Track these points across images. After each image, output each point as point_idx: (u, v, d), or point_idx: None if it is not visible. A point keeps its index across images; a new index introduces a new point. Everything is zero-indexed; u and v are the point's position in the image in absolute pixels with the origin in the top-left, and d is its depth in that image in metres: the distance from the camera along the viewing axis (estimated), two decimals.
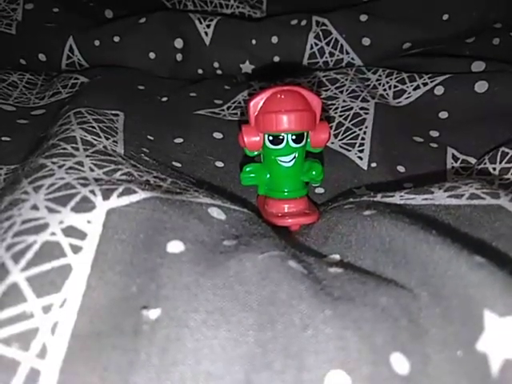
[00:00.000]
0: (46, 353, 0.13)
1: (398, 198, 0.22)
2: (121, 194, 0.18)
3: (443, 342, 0.14)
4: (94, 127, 0.27)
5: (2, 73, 0.41)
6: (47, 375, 0.13)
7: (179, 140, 0.31)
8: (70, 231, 0.16)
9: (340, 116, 0.34)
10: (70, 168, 0.20)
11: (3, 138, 0.31)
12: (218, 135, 0.32)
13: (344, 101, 0.35)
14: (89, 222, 0.17)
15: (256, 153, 0.25)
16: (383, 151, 0.31)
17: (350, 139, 0.32)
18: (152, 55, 0.42)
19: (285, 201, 0.24)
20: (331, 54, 0.42)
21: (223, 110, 0.35)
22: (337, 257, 0.20)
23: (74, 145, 0.24)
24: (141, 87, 0.38)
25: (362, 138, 0.32)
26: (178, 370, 0.13)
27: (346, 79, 0.37)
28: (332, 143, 0.32)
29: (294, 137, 0.23)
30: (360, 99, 0.34)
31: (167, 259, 0.16)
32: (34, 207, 0.17)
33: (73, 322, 0.14)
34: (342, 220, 0.21)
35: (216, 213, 0.20)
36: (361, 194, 0.25)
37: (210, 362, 0.14)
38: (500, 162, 0.27)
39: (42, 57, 0.44)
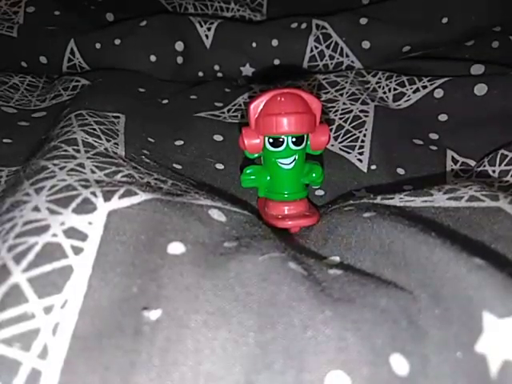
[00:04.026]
0: (47, 353, 0.13)
1: (397, 200, 0.22)
2: (122, 196, 0.18)
3: (443, 343, 0.14)
4: (95, 129, 0.27)
5: (4, 75, 0.41)
6: (48, 376, 0.13)
7: (180, 142, 0.31)
8: (71, 232, 0.16)
9: (340, 118, 0.34)
10: (71, 170, 0.21)
11: (4, 140, 0.31)
12: (218, 137, 0.32)
13: (344, 103, 0.35)
14: (90, 223, 0.17)
15: (256, 155, 0.25)
16: (383, 154, 0.31)
17: (349, 142, 0.32)
18: (153, 58, 0.43)
19: (285, 203, 0.25)
20: (331, 57, 0.42)
21: (224, 113, 0.35)
22: (337, 258, 0.20)
23: (75, 147, 0.24)
24: (141, 90, 0.38)
25: (362, 141, 0.32)
26: (178, 371, 0.13)
27: (346, 82, 0.37)
28: (332, 146, 0.32)
29: (294, 139, 0.23)
30: (360, 102, 0.35)
31: (168, 260, 0.16)
32: (36, 209, 0.17)
33: (74, 323, 0.14)
34: (341, 222, 0.22)
35: (216, 215, 0.20)
36: (360, 196, 0.25)
37: (210, 363, 0.14)
38: (499, 165, 0.27)
39: (43, 59, 0.44)
